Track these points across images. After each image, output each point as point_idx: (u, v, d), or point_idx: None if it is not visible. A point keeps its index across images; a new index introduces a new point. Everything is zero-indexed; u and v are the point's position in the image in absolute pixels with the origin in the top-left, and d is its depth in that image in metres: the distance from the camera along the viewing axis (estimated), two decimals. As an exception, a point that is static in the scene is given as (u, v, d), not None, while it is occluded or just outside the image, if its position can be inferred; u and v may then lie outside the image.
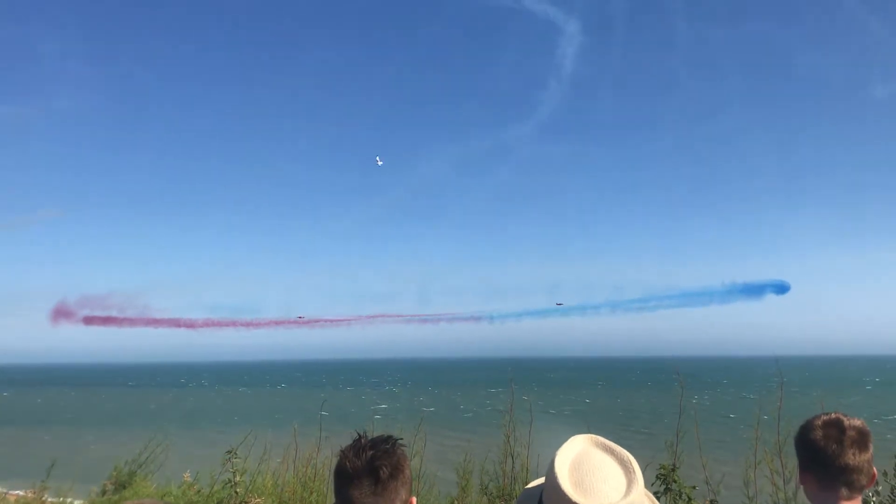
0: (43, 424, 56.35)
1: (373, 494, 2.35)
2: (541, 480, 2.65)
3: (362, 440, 2.44)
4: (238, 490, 9.13)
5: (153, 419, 53.01)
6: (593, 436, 2.60)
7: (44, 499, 10.03)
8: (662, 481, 7.52)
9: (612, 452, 2.50)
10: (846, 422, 2.88)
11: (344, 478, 2.38)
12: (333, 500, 2.46)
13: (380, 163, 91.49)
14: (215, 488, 9.47)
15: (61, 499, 10.20)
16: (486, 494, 8.99)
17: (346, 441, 2.50)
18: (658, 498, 7.31)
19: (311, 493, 9.42)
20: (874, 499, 6.39)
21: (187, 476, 10.31)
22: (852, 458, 2.79)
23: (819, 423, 2.92)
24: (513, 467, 8.99)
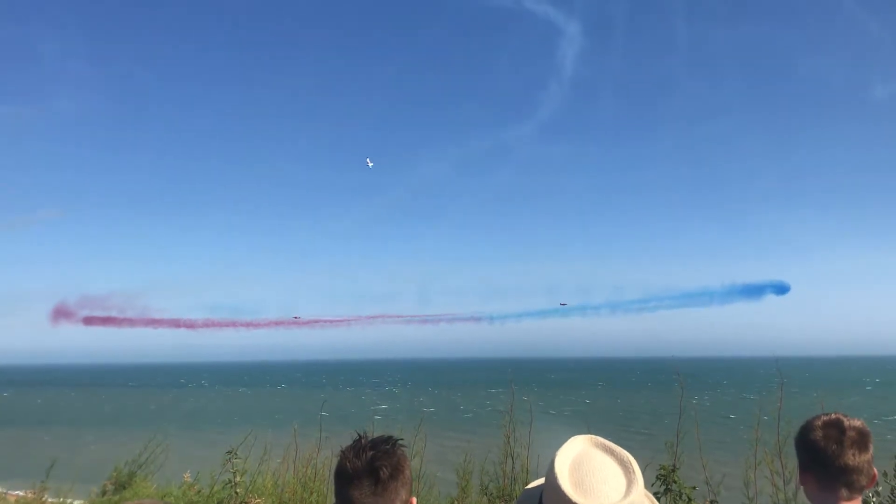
0: (43, 425, 56.31)
1: (373, 495, 2.35)
2: (541, 481, 2.65)
3: (362, 441, 2.44)
4: (238, 490, 9.13)
5: (153, 420, 52.98)
6: (593, 436, 2.60)
7: (44, 499, 10.03)
8: (662, 482, 7.52)
9: (612, 453, 2.50)
10: (846, 422, 2.88)
11: (344, 478, 2.38)
12: (334, 500, 2.46)
13: (370, 164, 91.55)
14: (215, 489, 9.47)
15: (61, 499, 10.20)
16: (486, 495, 8.99)
17: (346, 441, 2.50)
18: (658, 498, 7.32)
19: (312, 493, 9.42)
20: (874, 499, 6.39)
21: (187, 476, 10.31)
22: (852, 458, 2.79)
23: (819, 423, 2.92)
24: (513, 468, 8.99)
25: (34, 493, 10.03)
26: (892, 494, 6.82)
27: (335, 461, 2.48)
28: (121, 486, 10.29)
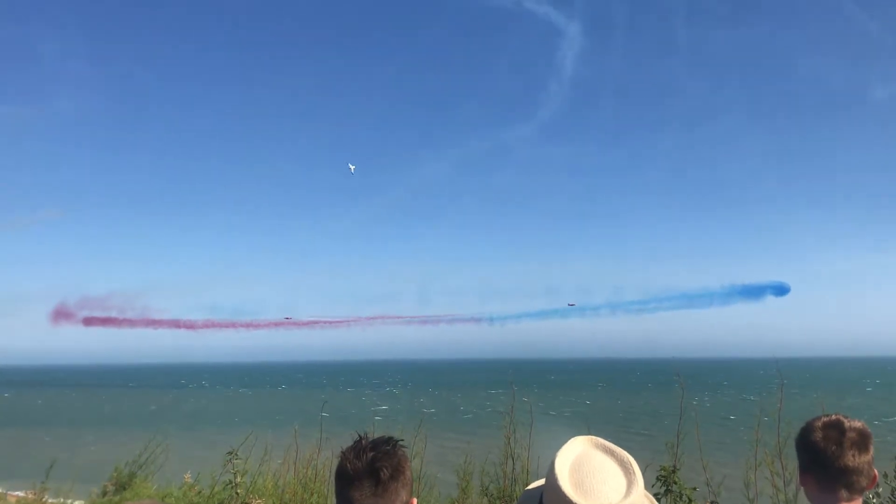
0: (43, 425, 56.28)
1: (373, 496, 2.34)
2: (541, 482, 2.65)
3: (363, 441, 2.44)
4: (239, 491, 9.13)
5: (153, 420, 52.98)
6: (593, 437, 2.60)
7: (44, 499, 10.03)
8: (663, 483, 7.52)
9: (612, 454, 2.50)
10: (846, 423, 2.87)
11: (345, 479, 2.38)
12: (334, 501, 2.46)
13: (352, 169, 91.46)
14: (216, 489, 9.47)
15: (61, 500, 10.20)
16: (486, 496, 8.99)
17: (346, 442, 2.50)
18: (658, 499, 7.31)
19: (312, 494, 9.42)
20: (874, 500, 6.39)
21: (188, 477, 10.31)
22: (852, 459, 2.78)
23: (819, 424, 2.91)
24: (513, 469, 8.99)
25: (34, 494, 10.03)
26: (892, 496, 6.81)
27: (336, 462, 2.48)
28: (121, 487, 10.29)
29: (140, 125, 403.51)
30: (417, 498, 2.79)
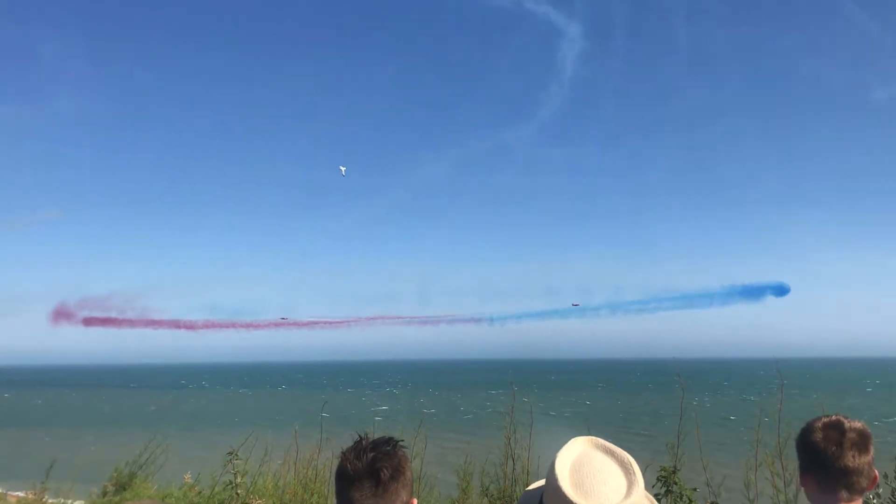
0: (43, 425, 56.28)
1: (374, 496, 2.35)
2: (541, 482, 2.65)
3: (363, 442, 2.44)
4: (239, 491, 9.13)
5: (153, 420, 52.95)
6: (594, 438, 2.60)
7: (44, 500, 10.04)
8: (663, 483, 7.52)
9: (612, 454, 2.50)
10: (847, 424, 2.87)
11: (345, 479, 2.38)
12: (335, 501, 2.46)
13: (343, 171, 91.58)
14: (216, 490, 9.47)
15: (61, 500, 10.21)
16: (486, 496, 8.99)
17: (346, 442, 2.50)
18: (659, 500, 7.31)
19: (313, 494, 9.42)
20: (875, 501, 6.39)
21: (188, 477, 10.32)
22: (852, 460, 2.78)
23: (819, 425, 2.91)
24: (513, 469, 8.99)
25: (34, 494, 10.04)
26: (892, 496, 6.81)
27: (336, 462, 2.48)
28: (121, 487, 10.30)
29: (140, 125, 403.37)
30: (418, 498, 2.78)
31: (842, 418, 2.92)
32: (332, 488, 2.81)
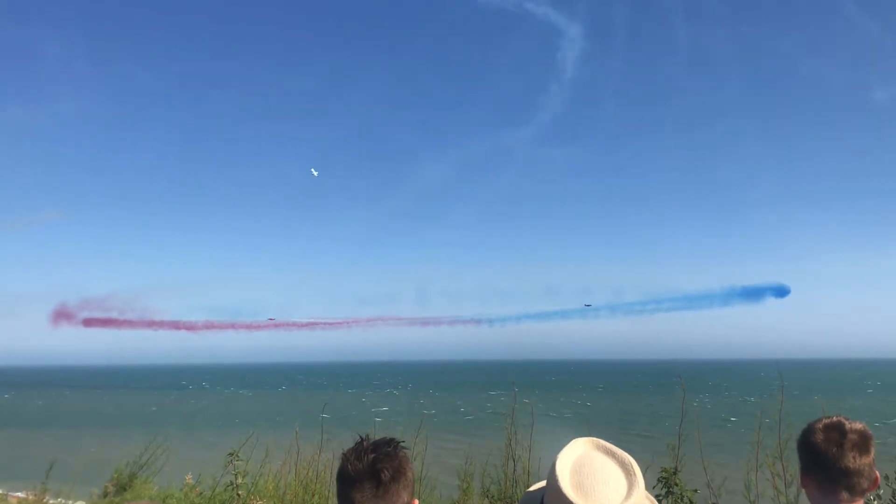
0: (43, 426, 56.31)
1: (374, 497, 2.35)
2: (542, 483, 2.65)
3: (364, 443, 2.44)
4: (240, 492, 9.13)
5: (154, 421, 53.00)
6: (594, 439, 2.60)
7: (44, 500, 10.04)
8: (664, 484, 7.52)
9: (613, 455, 2.50)
10: (847, 425, 2.87)
11: (346, 480, 2.38)
12: (335, 502, 2.46)
13: (315, 174, 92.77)
14: (217, 490, 9.47)
15: (62, 500, 10.22)
16: (487, 497, 8.99)
17: (347, 443, 2.51)
18: (659, 501, 7.32)
19: (313, 495, 9.42)
20: (875, 502, 6.38)
21: (189, 478, 10.32)
22: (853, 461, 2.78)
23: (820, 426, 2.92)
24: (514, 470, 8.98)
25: (35, 495, 10.04)
26: (893, 498, 6.80)
27: (337, 463, 2.48)
28: (122, 488, 10.30)
29: (140, 125, 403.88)
30: (418, 499, 2.79)
31: (843, 419, 2.92)
32: (333, 489, 2.81)
